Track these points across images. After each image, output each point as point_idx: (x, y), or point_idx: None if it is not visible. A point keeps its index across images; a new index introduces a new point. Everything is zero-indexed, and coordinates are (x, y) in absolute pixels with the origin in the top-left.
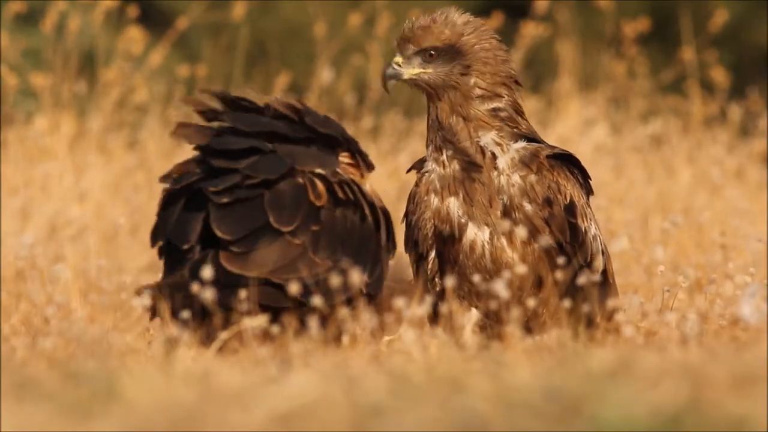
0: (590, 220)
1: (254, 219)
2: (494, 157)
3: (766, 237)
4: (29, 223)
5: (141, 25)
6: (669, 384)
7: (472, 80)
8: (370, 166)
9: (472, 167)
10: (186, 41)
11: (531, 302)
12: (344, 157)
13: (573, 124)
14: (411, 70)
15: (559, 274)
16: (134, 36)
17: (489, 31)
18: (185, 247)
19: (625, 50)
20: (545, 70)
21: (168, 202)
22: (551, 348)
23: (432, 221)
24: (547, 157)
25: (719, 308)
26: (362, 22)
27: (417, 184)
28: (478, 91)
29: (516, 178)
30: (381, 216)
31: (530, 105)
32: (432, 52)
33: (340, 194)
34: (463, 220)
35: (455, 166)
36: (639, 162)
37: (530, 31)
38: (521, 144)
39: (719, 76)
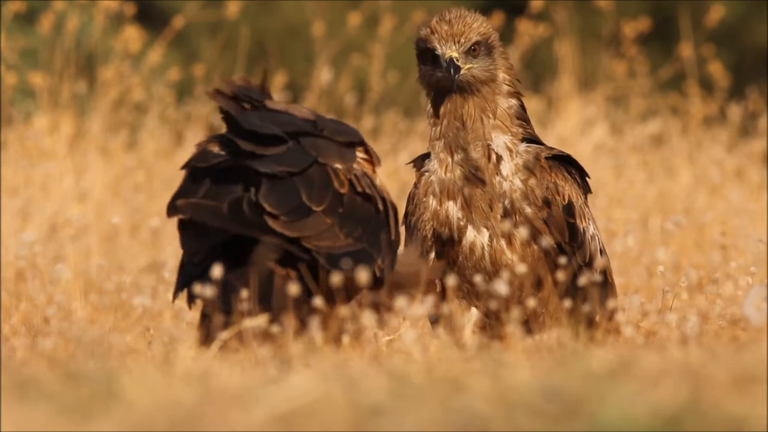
0: (588, 219)
1: (292, 197)
2: (499, 161)
3: (767, 237)
4: (29, 223)
5: (139, 25)
6: (669, 384)
7: (500, 75)
8: (378, 161)
9: (475, 180)
10: (185, 40)
11: (530, 302)
12: (360, 152)
13: (573, 124)
14: (465, 64)
15: (559, 275)
16: (131, 35)
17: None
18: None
19: (624, 50)
20: (545, 70)
21: (194, 176)
22: (551, 348)
23: (431, 223)
24: (546, 158)
25: (719, 308)
26: (362, 22)
27: (416, 185)
28: (504, 87)
29: (518, 182)
30: (390, 209)
31: (530, 105)
32: (475, 47)
33: (358, 188)
34: (462, 223)
35: (458, 172)
36: (639, 162)
37: (528, 29)
38: (523, 146)
39: (718, 72)
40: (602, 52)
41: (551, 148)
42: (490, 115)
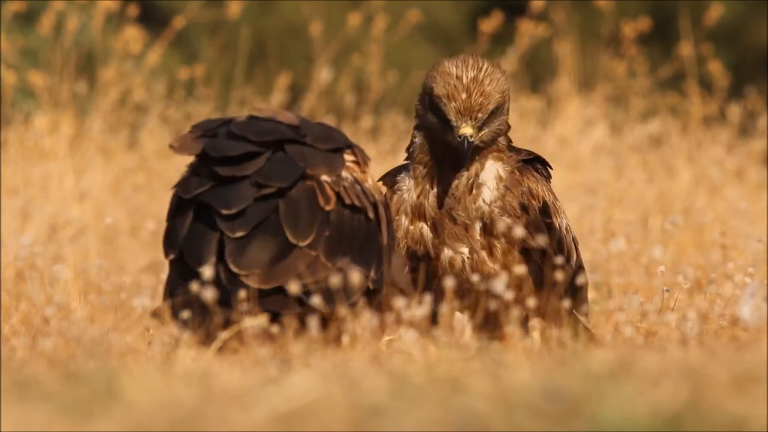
0: (561, 214)
1: (271, 242)
2: (480, 188)
3: (766, 237)
4: (29, 223)
5: (140, 25)
6: (669, 384)
7: (505, 118)
8: (367, 161)
9: (447, 214)
10: (186, 41)
11: (519, 309)
12: (348, 155)
13: (573, 124)
14: (478, 134)
15: (541, 275)
16: (132, 35)
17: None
18: (200, 268)
19: (624, 50)
20: (544, 70)
21: (178, 209)
22: (551, 348)
23: (404, 241)
24: (517, 167)
25: (719, 308)
26: (361, 21)
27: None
28: (504, 127)
29: (498, 203)
30: (383, 212)
31: (530, 105)
32: (490, 115)
33: (347, 200)
34: (437, 241)
35: (432, 201)
36: (639, 162)
37: (528, 29)
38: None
39: (717, 71)
40: (602, 52)
41: (519, 151)
42: (491, 151)
